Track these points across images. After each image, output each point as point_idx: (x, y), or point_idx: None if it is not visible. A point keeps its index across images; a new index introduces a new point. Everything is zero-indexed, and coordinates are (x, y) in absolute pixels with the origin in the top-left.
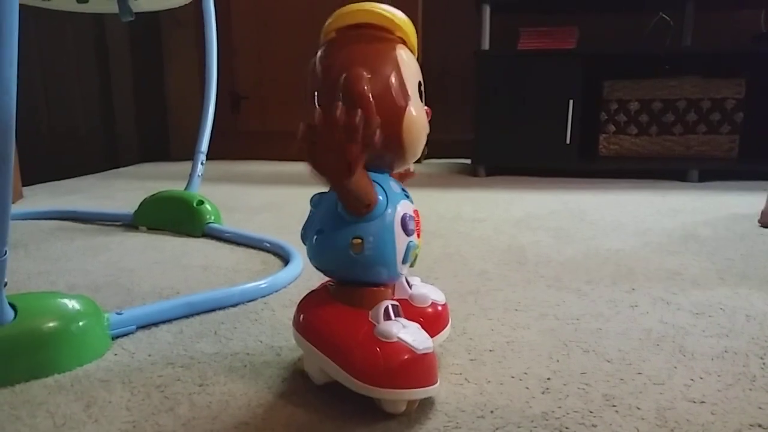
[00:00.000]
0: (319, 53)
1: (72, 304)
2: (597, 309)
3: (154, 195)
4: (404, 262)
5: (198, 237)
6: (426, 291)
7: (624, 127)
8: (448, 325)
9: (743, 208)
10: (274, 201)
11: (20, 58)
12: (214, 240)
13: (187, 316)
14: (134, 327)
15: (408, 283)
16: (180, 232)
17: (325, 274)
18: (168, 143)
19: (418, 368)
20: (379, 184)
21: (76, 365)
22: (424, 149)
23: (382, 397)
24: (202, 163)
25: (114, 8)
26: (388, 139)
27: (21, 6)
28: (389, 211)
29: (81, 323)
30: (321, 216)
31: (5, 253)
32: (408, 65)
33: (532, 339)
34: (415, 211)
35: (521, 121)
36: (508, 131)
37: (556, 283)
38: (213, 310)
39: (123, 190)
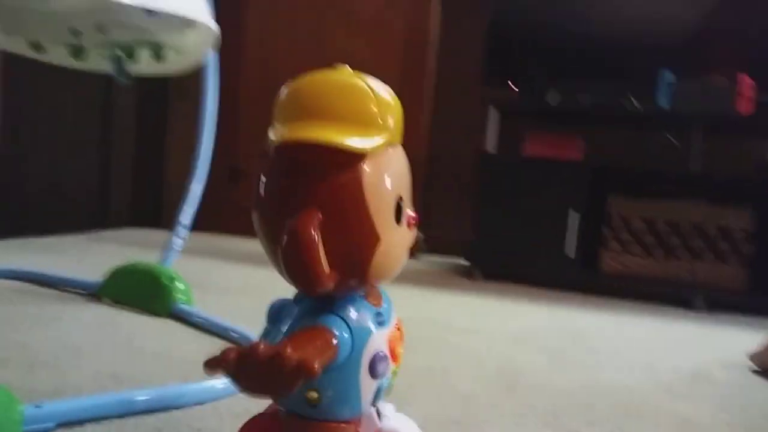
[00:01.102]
0: (268, 165)
1: None
2: None
3: (124, 265)
4: (373, 404)
5: (164, 317)
6: (398, 425)
7: (628, 246)
8: None
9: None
10: (255, 283)
11: (19, 108)
12: (181, 322)
13: (120, 416)
14: (53, 424)
15: (378, 413)
16: (145, 309)
17: None
18: (161, 211)
19: None
20: (342, 318)
21: None
22: (422, 245)
23: None
24: (182, 237)
25: (109, 68)
26: (350, 283)
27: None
28: (354, 355)
29: None
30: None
31: None
32: (381, 192)
33: None
34: (397, 327)
35: (522, 228)
36: (508, 236)
37: (553, 421)
38: (152, 411)
39: (100, 254)
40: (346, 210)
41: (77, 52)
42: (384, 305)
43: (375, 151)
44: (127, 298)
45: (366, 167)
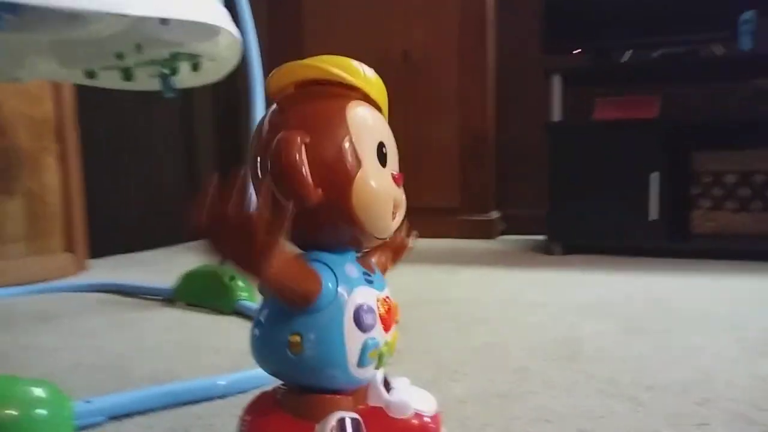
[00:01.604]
0: (264, 114)
1: (29, 390)
2: (652, 425)
3: (192, 270)
4: (360, 365)
5: (229, 314)
6: (409, 398)
7: (720, 202)
8: None
9: None
10: None
11: (120, 137)
12: (243, 318)
13: (165, 407)
14: (103, 417)
15: (387, 386)
16: (213, 308)
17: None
18: None
19: None
20: (329, 267)
21: None
22: (497, 224)
23: None
24: None
25: (157, 86)
26: (335, 211)
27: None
28: (338, 301)
29: (35, 413)
30: (264, 303)
31: None
32: (363, 125)
33: None
34: (385, 299)
35: (600, 196)
36: (585, 206)
37: (609, 388)
38: (196, 401)
39: (185, 264)
40: (332, 133)
41: (127, 74)
42: (376, 274)
43: (361, 89)
44: (195, 299)
45: (351, 103)
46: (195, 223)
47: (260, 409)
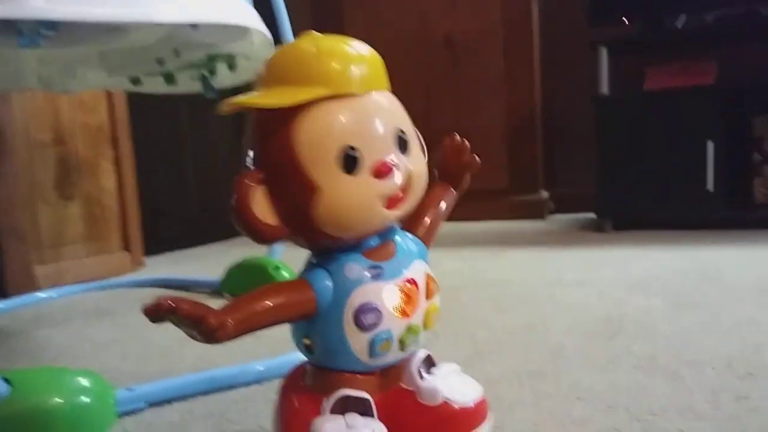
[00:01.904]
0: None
1: (75, 380)
2: (689, 400)
3: (238, 262)
4: (372, 356)
5: None
6: (441, 385)
7: None
8: None
9: None
10: None
11: (173, 138)
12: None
13: (205, 393)
14: (144, 404)
15: (428, 368)
16: None
17: None
18: None
19: None
20: (326, 270)
21: None
22: (547, 203)
23: None
24: None
25: (199, 88)
26: (311, 234)
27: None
28: (336, 306)
29: (80, 401)
30: None
31: None
32: (315, 141)
33: None
34: (407, 281)
35: (652, 169)
36: (637, 181)
37: (648, 364)
38: (234, 387)
39: (236, 258)
40: (281, 164)
41: (168, 78)
42: (391, 261)
43: (302, 104)
44: (241, 290)
45: (297, 121)
46: (156, 308)
47: (290, 378)
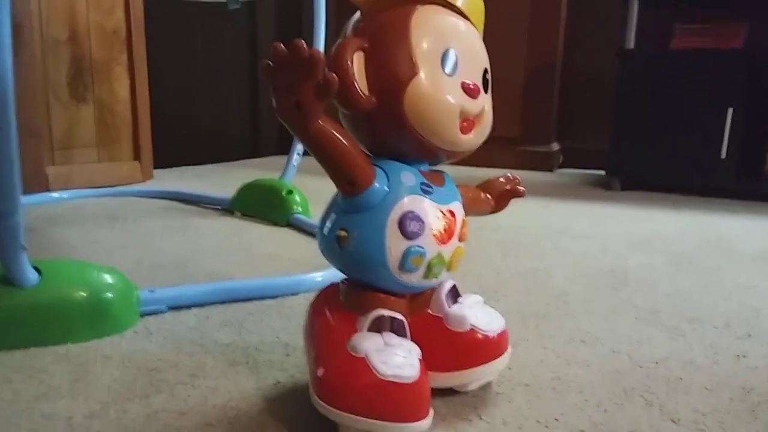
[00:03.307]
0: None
1: (100, 276)
2: (689, 354)
3: (250, 182)
4: (402, 268)
5: (283, 226)
6: (468, 313)
7: None
8: (490, 363)
9: None
10: None
11: (186, 51)
12: (296, 230)
13: (222, 302)
14: (165, 306)
15: (455, 298)
16: (268, 219)
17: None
18: None
19: (381, 397)
20: (384, 171)
21: (93, 337)
22: (556, 156)
23: (336, 420)
24: (298, 153)
25: None
26: (390, 117)
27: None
28: (384, 204)
29: (104, 296)
30: (330, 202)
31: (18, 216)
32: (427, 31)
33: (586, 379)
34: (449, 212)
35: (668, 131)
36: (651, 141)
37: (650, 317)
38: (250, 299)
39: (244, 178)
40: (390, 37)
41: None
42: (441, 188)
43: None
44: (253, 210)
45: (418, 8)
46: (272, 51)
47: (322, 296)
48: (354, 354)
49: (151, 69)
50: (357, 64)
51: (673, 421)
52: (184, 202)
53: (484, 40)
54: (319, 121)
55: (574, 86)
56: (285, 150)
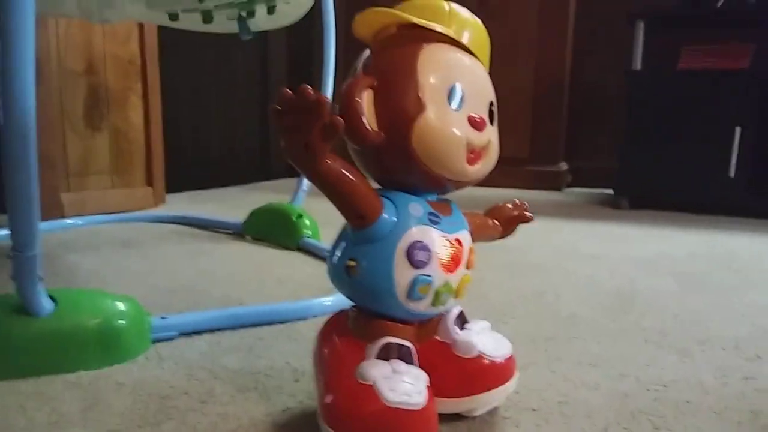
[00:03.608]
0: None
1: (114, 304)
2: (698, 376)
3: (261, 206)
4: (410, 297)
5: (293, 250)
6: (476, 339)
7: None
8: (497, 389)
9: None
10: None
11: (199, 78)
12: (307, 254)
13: (232, 328)
14: (176, 333)
15: (462, 323)
16: (279, 243)
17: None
18: None
19: (389, 424)
20: (393, 203)
21: (105, 364)
22: (565, 175)
23: None
24: None
25: (235, 28)
26: (399, 152)
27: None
28: (393, 235)
29: (117, 324)
30: (340, 232)
31: (37, 248)
32: (434, 68)
33: (594, 402)
34: (457, 240)
35: (676, 150)
36: (659, 160)
37: (659, 339)
38: (260, 324)
39: (255, 201)
40: (398, 75)
41: (206, 16)
42: (448, 217)
43: (436, 34)
44: (263, 234)
45: (425, 46)
46: (279, 95)
47: (331, 324)
48: (362, 381)
49: (165, 96)
50: (366, 101)
51: None
52: (196, 227)
53: (491, 65)
54: (327, 161)
55: (582, 106)
56: (295, 172)
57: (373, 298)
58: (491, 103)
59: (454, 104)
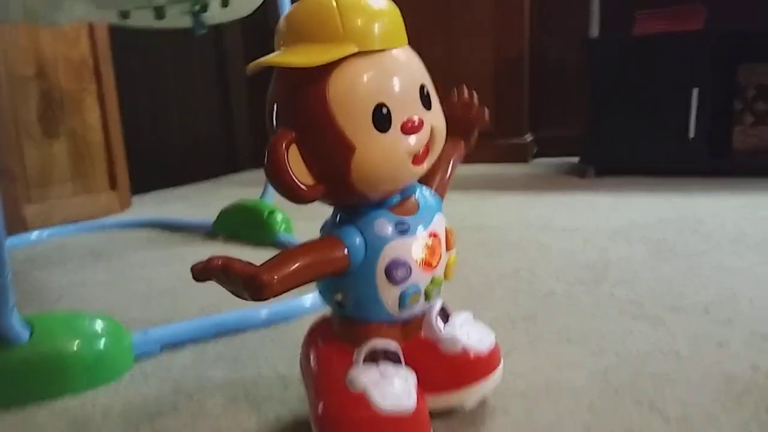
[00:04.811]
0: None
1: (91, 324)
2: (673, 345)
3: (231, 204)
4: (402, 308)
5: (268, 246)
6: (459, 333)
7: (765, 117)
8: (484, 380)
9: None
10: None
11: (155, 75)
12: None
13: (214, 336)
14: (159, 346)
15: (445, 317)
16: (252, 241)
17: None
18: None
19: (382, 430)
20: (356, 228)
21: (89, 387)
22: (531, 147)
23: None
24: None
25: (188, 23)
26: (343, 192)
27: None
28: (368, 261)
29: (98, 345)
30: None
31: (7, 275)
32: (350, 98)
33: (578, 382)
34: (431, 235)
35: (637, 116)
36: (621, 127)
37: (633, 309)
38: (242, 330)
39: (224, 198)
40: (315, 124)
41: (159, 13)
42: (415, 216)
43: (333, 62)
44: (236, 233)
45: (330, 79)
46: (193, 268)
47: (315, 329)
48: (352, 389)
49: (121, 95)
50: (292, 159)
51: (664, 420)
52: (167, 230)
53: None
54: (274, 281)
55: (543, 76)
56: (261, 162)
57: (369, 317)
58: (422, 87)
59: (382, 126)
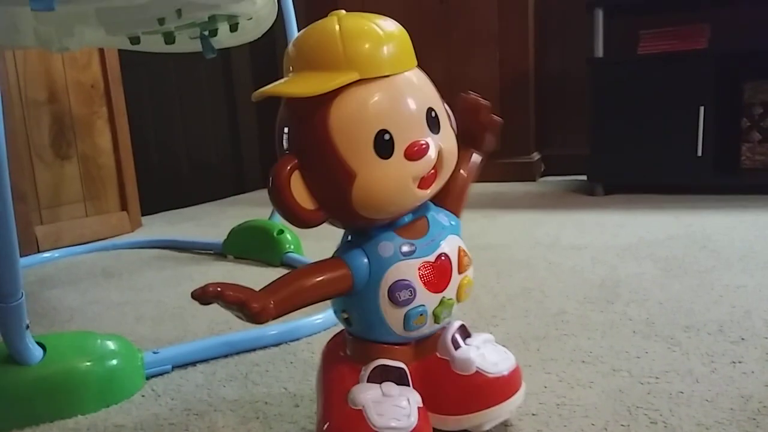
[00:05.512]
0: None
1: (103, 344)
2: (687, 364)
3: (241, 224)
4: (407, 329)
5: (277, 266)
6: (474, 355)
7: None
8: (502, 404)
9: None
10: None
11: (164, 96)
12: (291, 269)
13: (225, 355)
14: (170, 366)
15: (464, 338)
16: (261, 260)
17: None
18: None
19: None
20: (362, 249)
21: (101, 406)
22: (538, 165)
23: None
24: None
25: (198, 47)
26: (346, 217)
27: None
28: (372, 283)
29: (109, 364)
30: None
31: (21, 296)
32: (352, 126)
33: (591, 401)
34: (440, 256)
35: (644, 133)
36: (629, 145)
37: (646, 329)
38: (252, 350)
39: (233, 218)
40: (317, 150)
41: (168, 37)
42: (424, 238)
43: (335, 90)
44: (245, 252)
45: (332, 107)
46: (193, 293)
47: (332, 345)
48: (353, 406)
49: (130, 117)
50: (295, 184)
51: None
52: (177, 250)
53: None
54: (268, 307)
55: (549, 95)
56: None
57: (375, 337)
58: (429, 110)
59: (385, 152)
